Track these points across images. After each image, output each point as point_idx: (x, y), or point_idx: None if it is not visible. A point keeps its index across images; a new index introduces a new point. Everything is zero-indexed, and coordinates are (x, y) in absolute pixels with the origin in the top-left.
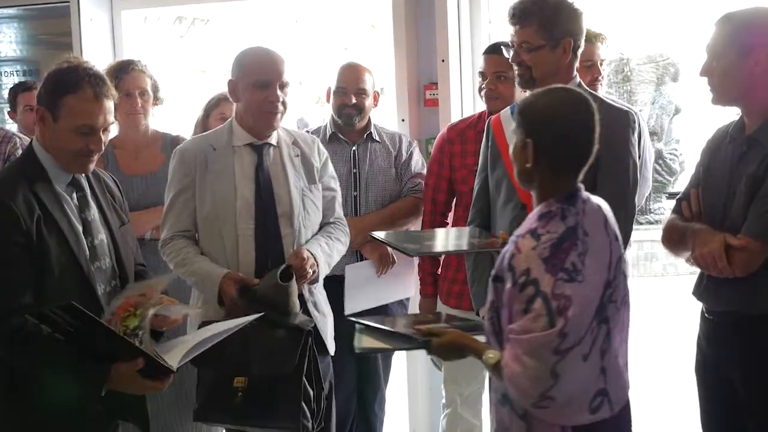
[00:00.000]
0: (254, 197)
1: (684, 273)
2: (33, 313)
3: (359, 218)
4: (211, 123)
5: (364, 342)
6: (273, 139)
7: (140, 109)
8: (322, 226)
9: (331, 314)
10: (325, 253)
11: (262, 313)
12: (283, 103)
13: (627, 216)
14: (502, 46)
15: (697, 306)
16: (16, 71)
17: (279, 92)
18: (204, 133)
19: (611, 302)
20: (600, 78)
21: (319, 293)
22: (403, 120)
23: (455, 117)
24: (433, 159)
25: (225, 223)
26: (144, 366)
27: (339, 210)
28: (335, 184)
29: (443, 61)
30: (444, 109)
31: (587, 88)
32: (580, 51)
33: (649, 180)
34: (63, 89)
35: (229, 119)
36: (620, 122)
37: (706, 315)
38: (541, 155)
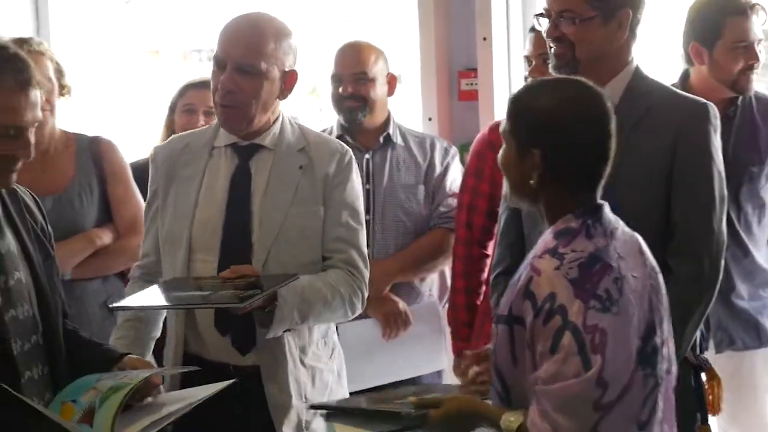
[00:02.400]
0: (223, 218)
1: None
2: None
3: (371, 264)
4: (177, 120)
5: None
6: (267, 140)
7: (43, 104)
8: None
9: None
10: (299, 295)
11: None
12: (235, 93)
13: (713, 247)
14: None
15: None
16: None
17: (228, 75)
18: (192, 130)
19: (660, 355)
20: (756, 65)
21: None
22: (430, 119)
23: (501, 115)
24: (469, 170)
25: (178, 249)
26: None
27: (354, 256)
28: (354, 220)
29: (485, 39)
30: (485, 103)
31: (656, 80)
32: (638, 28)
33: None
34: None
35: None
36: (698, 119)
37: None
38: (551, 170)
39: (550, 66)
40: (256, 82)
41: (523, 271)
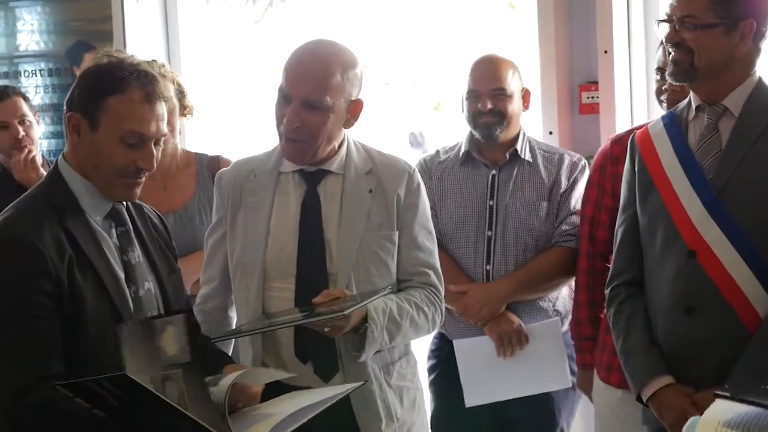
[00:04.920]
0: (297, 245)
1: None
2: (67, 384)
3: (486, 285)
4: None
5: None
6: (334, 165)
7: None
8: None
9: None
10: (387, 315)
11: (364, 381)
12: (305, 129)
13: None
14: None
15: None
16: (40, 70)
17: (296, 110)
18: (255, 155)
19: None
20: None
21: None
22: (550, 133)
23: (623, 128)
24: (591, 183)
25: (251, 277)
26: None
27: (433, 278)
28: (429, 241)
29: (606, 52)
30: (607, 117)
31: None
32: (764, 42)
33: None
34: (104, 89)
35: None
36: None
37: None
38: None
39: (667, 73)
40: (322, 116)
41: None
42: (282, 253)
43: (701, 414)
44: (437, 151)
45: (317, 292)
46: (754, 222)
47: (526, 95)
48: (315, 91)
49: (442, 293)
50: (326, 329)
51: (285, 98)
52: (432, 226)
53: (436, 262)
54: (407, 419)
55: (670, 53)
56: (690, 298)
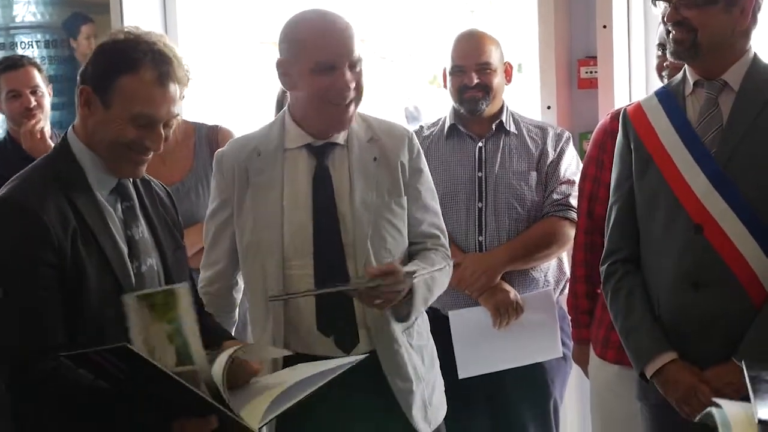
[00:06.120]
0: (312, 221)
1: None
2: (71, 355)
3: (481, 255)
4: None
5: None
6: (340, 138)
7: None
8: (411, 255)
9: (432, 379)
10: (427, 285)
11: (369, 352)
12: (357, 89)
13: None
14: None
15: None
16: (36, 42)
17: (349, 74)
18: (251, 132)
19: None
20: None
21: (418, 345)
22: (548, 108)
23: (621, 103)
24: (590, 158)
25: (269, 258)
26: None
27: (443, 239)
28: (435, 202)
29: (605, 27)
30: (605, 92)
31: None
32: (759, 14)
33: None
34: (118, 68)
35: (282, 112)
36: None
37: None
38: None
39: (668, 52)
40: (362, 75)
41: None
42: (300, 232)
43: (712, 390)
44: (421, 127)
45: (336, 267)
46: (759, 196)
47: (508, 69)
48: (355, 49)
49: (450, 252)
50: (377, 301)
51: (329, 69)
52: (434, 187)
53: (442, 222)
54: (429, 377)
55: (670, 32)
56: (697, 273)
